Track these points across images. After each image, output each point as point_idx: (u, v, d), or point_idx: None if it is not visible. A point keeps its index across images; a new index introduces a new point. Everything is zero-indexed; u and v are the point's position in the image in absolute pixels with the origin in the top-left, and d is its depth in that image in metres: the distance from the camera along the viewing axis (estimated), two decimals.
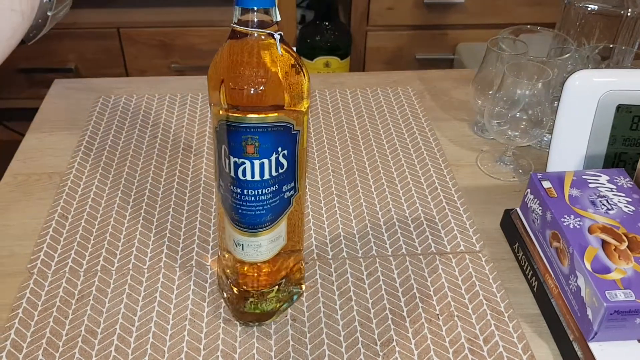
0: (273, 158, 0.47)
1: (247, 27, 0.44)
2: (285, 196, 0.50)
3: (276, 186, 0.48)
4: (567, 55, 0.75)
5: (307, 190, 0.71)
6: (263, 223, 0.50)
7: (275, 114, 0.46)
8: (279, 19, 0.45)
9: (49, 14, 0.39)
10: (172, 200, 0.70)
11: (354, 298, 0.59)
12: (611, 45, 0.77)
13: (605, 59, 0.78)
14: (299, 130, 0.48)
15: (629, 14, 0.75)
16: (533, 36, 0.81)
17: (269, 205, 0.49)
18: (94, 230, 0.66)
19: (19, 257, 0.63)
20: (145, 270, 0.61)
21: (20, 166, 0.76)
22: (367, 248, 0.65)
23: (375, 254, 0.64)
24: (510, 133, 0.72)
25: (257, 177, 0.47)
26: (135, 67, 1.75)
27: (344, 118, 0.85)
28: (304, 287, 0.59)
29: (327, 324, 0.56)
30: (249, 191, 0.48)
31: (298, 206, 0.52)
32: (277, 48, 0.45)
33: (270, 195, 0.48)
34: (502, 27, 0.83)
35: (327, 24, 1.71)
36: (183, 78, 0.95)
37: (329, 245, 0.65)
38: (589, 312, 0.49)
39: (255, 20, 0.44)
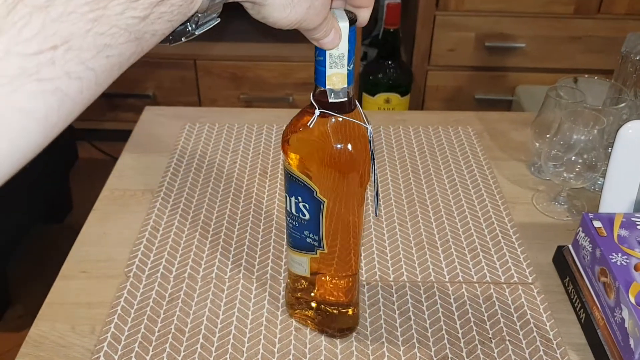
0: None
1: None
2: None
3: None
4: (622, 105, 0.80)
5: (370, 223, 0.78)
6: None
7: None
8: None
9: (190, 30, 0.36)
10: (249, 219, 0.78)
11: (412, 318, 0.65)
12: None
13: None
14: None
15: None
16: (591, 83, 0.86)
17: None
18: (182, 241, 0.74)
19: (117, 262, 0.72)
20: (227, 280, 0.69)
21: (117, 182, 0.85)
22: (425, 274, 0.70)
23: (434, 280, 0.69)
24: (565, 175, 0.77)
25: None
26: (208, 96, 1.87)
27: (407, 154, 0.91)
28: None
29: (388, 339, 0.62)
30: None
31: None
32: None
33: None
34: (562, 71, 0.88)
35: (389, 62, 1.79)
36: (259, 110, 1.04)
37: (391, 269, 0.71)
38: (631, 342, 0.54)
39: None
